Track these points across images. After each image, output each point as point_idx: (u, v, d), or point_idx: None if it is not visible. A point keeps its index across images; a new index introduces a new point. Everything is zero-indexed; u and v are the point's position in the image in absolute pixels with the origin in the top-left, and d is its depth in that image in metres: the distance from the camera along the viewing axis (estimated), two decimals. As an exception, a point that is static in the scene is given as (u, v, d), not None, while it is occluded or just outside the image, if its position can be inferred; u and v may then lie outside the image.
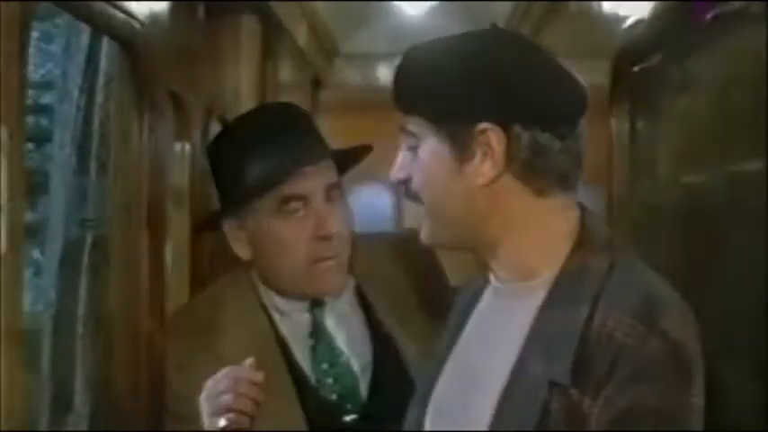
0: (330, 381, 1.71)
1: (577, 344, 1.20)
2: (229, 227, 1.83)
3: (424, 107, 1.32)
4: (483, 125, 1.26)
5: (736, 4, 1.58)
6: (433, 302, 1.81)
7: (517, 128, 1.26)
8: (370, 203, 8.25)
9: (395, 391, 1.65)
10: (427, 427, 1.42)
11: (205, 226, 1.96)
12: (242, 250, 1.80)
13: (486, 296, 1.41)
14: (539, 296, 1.29)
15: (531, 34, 4.29)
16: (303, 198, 1.75)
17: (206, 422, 1.62)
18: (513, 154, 1.26)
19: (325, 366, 1.72)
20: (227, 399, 1.59)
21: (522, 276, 1.32)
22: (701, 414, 1.19)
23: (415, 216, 1.41)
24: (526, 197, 1.29)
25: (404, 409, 1.55)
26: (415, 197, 1.37)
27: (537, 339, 1.26)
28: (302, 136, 1.83)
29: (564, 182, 1.32)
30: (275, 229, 1.75)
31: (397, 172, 1.37)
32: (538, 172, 1.28)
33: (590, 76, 3.01)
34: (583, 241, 1.30)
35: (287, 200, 1.75)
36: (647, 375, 1.16)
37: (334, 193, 1.78)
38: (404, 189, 1.38)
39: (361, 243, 1.79)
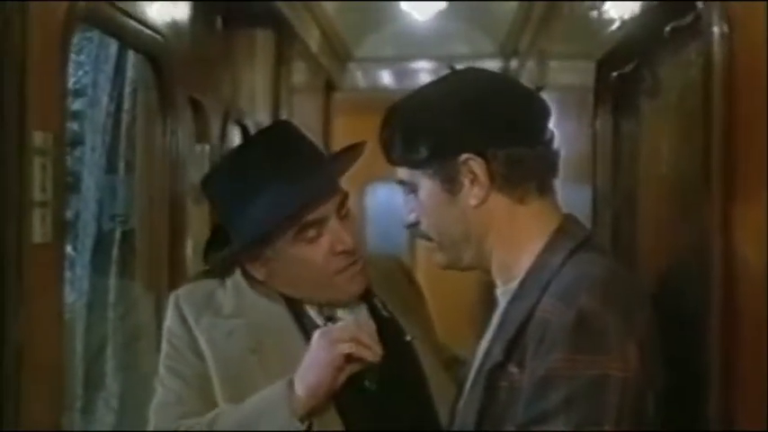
0: None
1: (519, 326, 1.32)
2: (247, 261, 1.83)
3: (409, 158, 1.46)
4: (464, 156, 1.39)
5: (689, 18, 1.74)
6: (417, 307, 1.97)
7: (492, 150, 1.38)
8: (386, 201, 8.36)
9: (401, 363, 1.80)
10: None
11: (219, 267, 1.89)
12: (259, 273, 1.84)
13: None
14: (511, 295, 1.42)
15: (531, 37, 4.43)
16: (320, 222, 1.79)
17: (324, 349, 1.68)
18: (494, 173, 1.39)
19: None
20: (352, 330, 1.70)
21: (506, 280, 1.45)
22: (635, 387, 1.23)
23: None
24: (511, 207, 1.41)
25: (409, 380, 1.77)
26: (424, 236, 1.51)
27: (499, 331, 1.40)
28: (311, 163, 1.85)
29: (542, 186, 1.42)
30: (295, 255, 1.79)
31: (408, 217, 1.53)
32: (517, 181, 1.40)
33: (580, 77, 3.15)
34: (551, 242, 1.41)
35: (305, 227, 1.78)
36: (561, 346, 1.24)
37: (345, 210, 1.83)
38: (416, 230, 1.52)
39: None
